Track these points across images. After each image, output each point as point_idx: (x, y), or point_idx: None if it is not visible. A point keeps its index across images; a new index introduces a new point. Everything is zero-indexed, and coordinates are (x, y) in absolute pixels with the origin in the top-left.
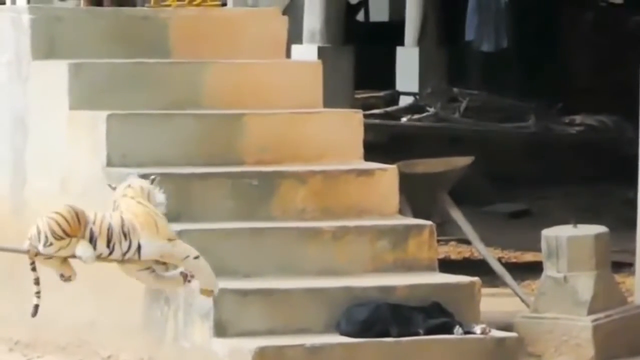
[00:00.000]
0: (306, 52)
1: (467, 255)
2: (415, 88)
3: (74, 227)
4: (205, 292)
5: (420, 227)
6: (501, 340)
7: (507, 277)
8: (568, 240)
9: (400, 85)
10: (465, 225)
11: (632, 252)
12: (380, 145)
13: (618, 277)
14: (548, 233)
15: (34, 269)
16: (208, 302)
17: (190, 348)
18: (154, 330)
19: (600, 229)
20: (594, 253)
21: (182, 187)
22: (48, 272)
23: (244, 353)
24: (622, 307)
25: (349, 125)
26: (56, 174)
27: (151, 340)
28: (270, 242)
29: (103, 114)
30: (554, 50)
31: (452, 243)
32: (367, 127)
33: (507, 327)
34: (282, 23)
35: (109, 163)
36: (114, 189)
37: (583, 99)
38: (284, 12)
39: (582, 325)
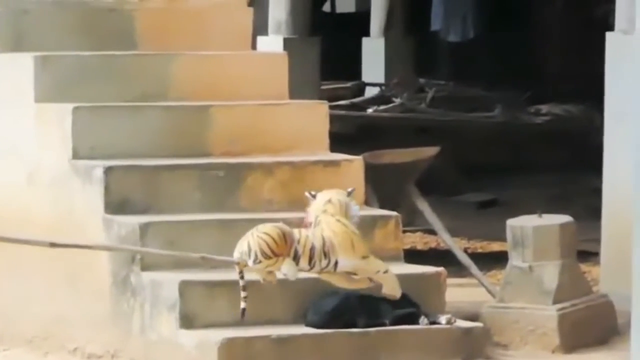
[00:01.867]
0: (272, 43)
1: (433, 245)
2: (381, 79)
3: (282, 247)
4: (389, 295)
5: (386, 218)
6: (467, 330)
7: (473, 267)
8: (533, 230)
9: (366, 76)
10: (431, 216)
11: (598, 241)
12: (347, 136)
13: (584, 266)
14: (513, 223)
15: (242, 277)
16: (174, 293)
17: (157, 340)
18: (120, 323)
19: (566, 218)
20: (560, 243)
21: (150, 179)
22: (15, 266)
23: (210, 345)
24: (588, 297)
25: (315, 117)
26: (23, 167)
27: (118, 332)
28: (238, 234)
29: (69, 107)
30: (521, 40)
31: (419, 233)
32: (334, 118)
33: (473, 317)
34: (248, 14)
35: (76, 155)
36: (314, 197)
37: (550, 89)
38: (250, 4)
39: (548, 314)
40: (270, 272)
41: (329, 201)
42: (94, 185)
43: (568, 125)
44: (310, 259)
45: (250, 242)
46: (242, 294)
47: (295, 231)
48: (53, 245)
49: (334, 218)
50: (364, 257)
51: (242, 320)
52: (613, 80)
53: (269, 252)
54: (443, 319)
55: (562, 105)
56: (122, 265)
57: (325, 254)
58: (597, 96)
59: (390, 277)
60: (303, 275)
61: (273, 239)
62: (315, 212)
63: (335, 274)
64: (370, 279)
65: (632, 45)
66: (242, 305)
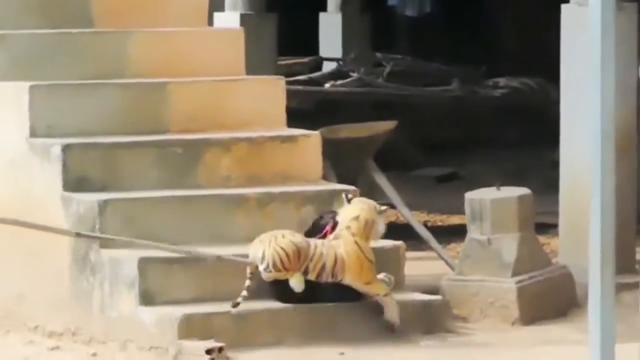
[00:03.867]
0: (229, 19)
1: (393, 219)
2: (338, 54)
3: (294, 264)
4: (390, 320)
5: (343, 192)
6: (427, 304)
7: (432, 240)
8: (491, 202)
9: (323, 51)
10: (390, 190)
11: (557, 214)
12: (305, 111)
13: (544, 239)
14: (471, 196)
15: (250, 279)
16: (134, 271)
17: (117, 317)
18: (81, 301)
19: (523, 190)
20: (517, 215)
21: (108, 157)
22: None
23: (170, 321)
24: (547, 269)
25: (272, 93)
26: None
27: (78, 310)
28: (197, 210)
29: (26, 85)
30: (477, 13)
31: None
32: (291, 94)
33: (432, 291)
34: None
35: (33, 134)
36: (349, 200)
37: (507, 62)
38: None
39: (507, 287)
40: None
41: (356, 218)
42: (52, 164)
43: (525, 99)
44: (319, 275)
45: (265, 252)
46: (244, 292)
47: (312, 246)
48: (78, 235)
49: (353, 239)
50: (367, 284)
51: (231, 309)
52: (569, 53)
53: (280, 267)
54: None
55: (519, 78)
56: (82, 243)
57: (333, 274)
58: (554, 69)
59: (390, 301)
60: None
61: (287, 255)
62: (341, 224)
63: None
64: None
65: (586, 17)
66: (240, 299)
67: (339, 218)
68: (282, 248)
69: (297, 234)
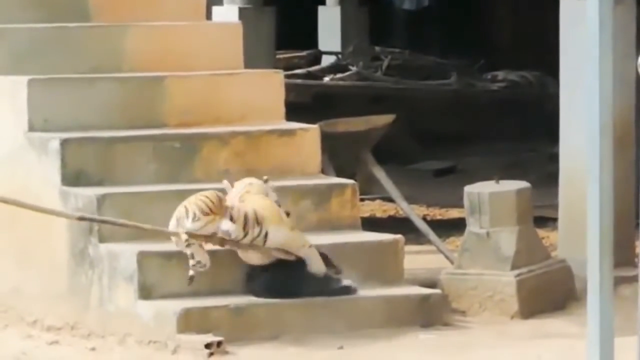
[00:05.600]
0: (227, 13)
1: (392, 213)
2: (337, 47)
3: (218, 207)
4: (315, 272)
5: (342, 186)
6: (425, 297)
7: (431, 234)
8: (490, 196)
9: (322, 45)
10: (388, 184)
11: (557, 207)
12: (304, 105)
13: (543, 232)
14: (470, 189)
15: (188, 246)
16: (132, 265)
17: (115, 311)
18: (79, 295)
19: (522, 184)
20: (516, 208)
21: (105, 151)
22: None
23: (168, 315)
24: (546, 262)
25: (270, 86)
26: None
27: (76, 304)
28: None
29: (24, 79)
30: (475, 7)
31: (378, 201)
32: (290, 87)
33: (431, 284)
34: None
35: (31, 128)
36: (232, 185)
37: (505, 56)
38: None
39: (506, 280)
40: (202, 248)
41: (250, 184)
42: (50, 158)
43: (523, 92)
44: (245, 225)
45: (187, 205)
46: (191, 262)
47: (228, 200)
48: (81, 219)
49: (258, 195)
50: (292, 229)
51: (189, 285)
52: (567, 46)
53: (207, 210)
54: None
55: (517, 71)
56: (80, 237)
57: (258, 223)
58: (552, 62)
59: (314, 253)
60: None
61: (210, 199)
62: (238, 193)
63: (261, 249)
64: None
65: (585, 11)
66: (191, 272)
67: (229, 199)
68: (203, 195)
69: None
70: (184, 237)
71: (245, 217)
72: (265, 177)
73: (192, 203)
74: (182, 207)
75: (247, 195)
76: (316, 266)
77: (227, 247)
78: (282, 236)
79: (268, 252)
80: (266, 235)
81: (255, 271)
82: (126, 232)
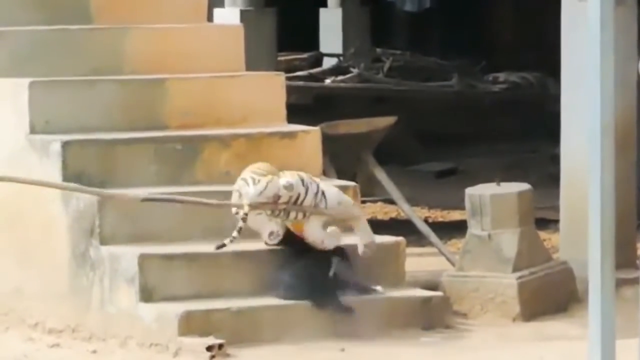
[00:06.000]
0: (228, 15)
1: (393, 215)
2: (339, 49)
3: (271, 170)
4: (369, 245)
5: (343, 188)
6: (427, 300)
7: (433, 236)
8: (491, 198)
9: (323, 47)
10: (390, 186)
11: (558, 209)
12: (305, 107)
13: (544, 234)
14: (471, 191)
15: (244, 220)
16: (133, 267)
17: (117, 313)
18: (80, 297)
19: (523, 186)
20: (518, 210)
21: (106, 153)
22: None
23: (170, 317)
24: (547, 264)
25: (271, 88)
26: None
27: (78, 306)
28: (196, 206)
29: (25, 81)
30: (476, 8)
31: (380, 203)
32: (291, 89)
33: (433, 286)
34: None
35: (33, 130)
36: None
37: (506, 57)
38: None
39: (508, 282)
40: (271, 220)
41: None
42: (52, 160)
43: (525, 93)
44: (302, 180)
45: (242, 176)
46: (234, 233)
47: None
48: (146, 199)
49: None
50: (338, 189)
51: (215, 249)
52: (569, 48)
53: (262, 172)
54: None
55: (518, 73)
56: (81, 239)
57: (312, 179)
58: (553, 63)
59: (364, 219)
60: (259, 247)
61: (261, 165)
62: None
63: (324, 212)
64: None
65: (586, 11)
66: (227, 241)
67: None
68: (256, 166)
69: None
70: (247, 208)
71: (300, 176)
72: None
73: (246, 172)
74: (239, 180)
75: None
76: (365, 234)
77: (292, 217)
78: (335, 194)
79: (328, 221)
80: (323, 193)
81: (281, 273)
82: (128, 234)
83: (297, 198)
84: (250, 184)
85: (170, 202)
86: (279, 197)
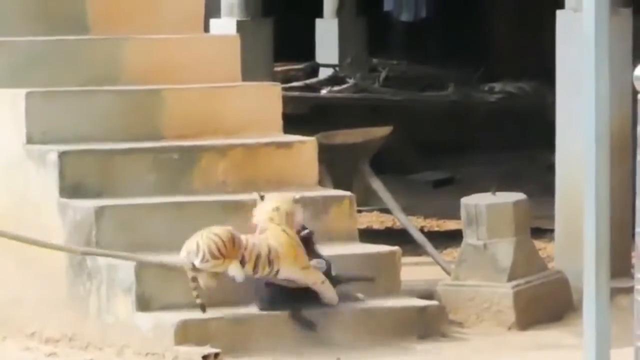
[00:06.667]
0: (225, 25)
1: (389, 224)
2: (335, 59)
3: (230, 250)
4: (327, 304)
5: (340, 198)
6: (422, 309)
7: (428, 245)
8: (487, 207)
9: (319, 57)
10: (385, 195)
11: (554, 218)
12: (302, 117)
13: (540, 243)
14: (467, 201)
15: (194, 280)
16: (130, 276)
17: (114, 322)
18: (77, 306)
19: (519, 196)
20: (513, 220)
21: (103, 163)
22: None
23: (166, 326)
24: (543, 273)
25: (267, 98)
26: None
27: (75, 315)
28: (193, 216)
29: (22, 92)
30: (473, 18)
31: (375, 213)
32: (288, 100)
33: (428, 296)
34: None
35: (30, 140)
36: (262, 198)
37: (502, 67)
38: None
39: (503, 292)
40: (213, 276)
41: (277, 209)
42: (49, 170)
43: (521, 103)
44: (255, 265)
45: (199, 242)
46: (194, 293)
47: (243, 238)
48: (84, 253)
49: (279, 227)
50: (304, 268)
51: (204, 313)
52: (564, 57)
53: (217, 253)
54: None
55: (515, 82)
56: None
57: (270, 262)
58: (549, 73)
59: (327, 287)
60: None
61: (223, 241)
62: (263, 217)
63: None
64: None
65: (581, 22)
66: (199, 301)
67: (256, 216)
68: (216, 235)
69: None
70: (190, 274)
71: (258, 258)
72: (297, 196)
73: (205, 241)
74: (194, 242)
75: (271, 224)
76: (329, 299)
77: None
78: (292, 275)
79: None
80: (277, 272)
81: (260, 283)
82: (124, 244)
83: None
84: (199, 257)
85: (112, 258)
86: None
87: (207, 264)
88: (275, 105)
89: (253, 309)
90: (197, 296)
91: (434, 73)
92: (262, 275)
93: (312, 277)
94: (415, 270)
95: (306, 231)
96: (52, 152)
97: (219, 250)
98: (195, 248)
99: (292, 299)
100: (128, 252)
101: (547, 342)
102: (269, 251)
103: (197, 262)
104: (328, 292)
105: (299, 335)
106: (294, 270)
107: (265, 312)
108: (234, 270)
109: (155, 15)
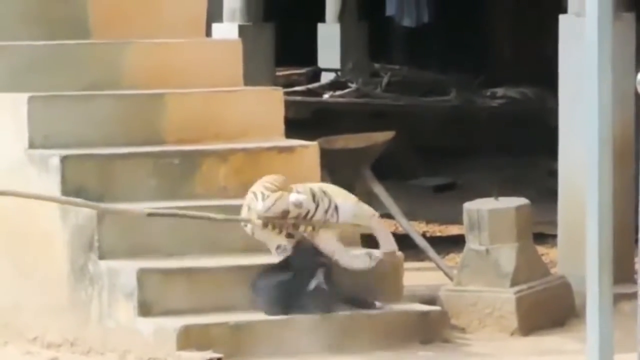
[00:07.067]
0: (226, 30)
1: (392, 229)
2: (336, 64)
3: (282, 184)
4: (389, 254)
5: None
6: (425, 314)
7: (430, 250)
8: (489, 213)
9: (321, 62)
10: (387, 200)
11: (556, 223)
12: (303, 121)
13: (542, 249)
14: (469, 206)
15: (264, 228)
16: (132, 281)
17: (115, 328)
18: (79, 311)
19: (521, 201)
20: (515, 225)
21: (105, 168)
22: None
23: (168, 332)
24: (545, 279)
25: (269, 103)
26: None
27: (76, 320)
28: (194, 221)
29: (24, 96)
30: (474, 23)
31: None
32: (290, 104)
33: (430, 301)
34: (201, 1)
35: (31, 145)
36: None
37: (505, 72)
38: None
39: (505, 297)
40: (280, 234)
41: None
42: (50, 174)
43: (523, 108)
44: (314, 196)
45: (253, 190)
46: (271, 246)
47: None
48: (151, 214)
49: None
50: (358, 201)
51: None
52: (567, 62)
53: (272, 187)
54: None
55: (517, 87)
56: (80, 253)
57: (325, 194)
58: (551, 78)
59: (383, 226)
60: (256, 261)
61: (273, 179)
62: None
63: (335, 226)
64: (370, 256)
65: (584, 27)
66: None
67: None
68: (266, 180)
69: None
70: (257, 221)
71: (312, 191)
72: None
73: (257, 186)
74: (250, 193)
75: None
76: (384, 240)
77: (301, 230)
78: (351, 207)
79: (341, 232)
80: (336, 208)
81: (261, 283)
82: (126, 249)
83: (307, 213)
84: (259, 198)
85: (176, 217)
86: (288, 212)
87: (269, 199)
88: (277, 110)
89: (255, 314)
90: (277, 248)
91: (436, 78)
92: (324, 210)
93: (368, 210)
94: (417, 276)
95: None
96: (53, 157)
97: (273, 185)
98: (251, 196)
99: (291, 301)
100: (129, 256)
101: (549, 348)
102: (319, 187)
103: (259, 205)
104: (385, 232)
105: (300, 340)
106: (350, 202)
107: (265, 317)
108: (295, 196)
109: (157, 20)
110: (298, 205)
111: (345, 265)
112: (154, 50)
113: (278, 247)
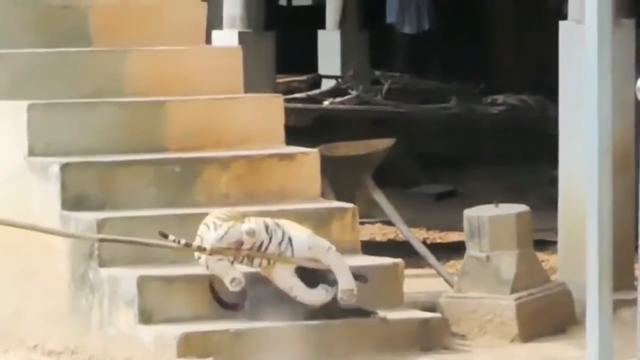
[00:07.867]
0: (227, 37)
1: (392, 236)
2: (337, 71)
3: (235, 216)
4: (346, 292)
5: (342, 210)
6: (425, 321)
7: (431, 257)
8: (490, 219)
9: (322, 69)
10: (388, 207)
11: (556, 231)
12: (304, 129)
13: (543, 255)
14: (470, 213)
15: (218, 260)
16: (132, 289)
17: (116, 335)
18: (79, 318)
19: (522, 207)
20: (516, 232)
21: (106, 175)
22: None
23: (169, 339)
24: (545, 285)
25: (269, 110)
26: None
27: (77, 328)
28: (195, 228)
29: (24, 104)
30: (475, 31)
31: (378, 225)
32: (290, 111)
33: (431, 308)
34: (202, 9)
35: (32, 152)
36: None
37: (505, 79)
38: None
39: (506, 304)
40: (233, 265)
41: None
42: (50, 182)
43: (523, 116)
44: (267, 228)
45: (205, 222)
46: (226, 281)
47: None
48: (102, 240)
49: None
50: (312, 234)
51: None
52: (567, 70)
53: (225, 217)
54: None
55: (518, 95)
56: (80, 261)
57: (278, 226)
58: (551, 86)
59: (340, 259)
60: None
61: (225, 210)
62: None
63: (290, 260)
64: (327, 290)
65: (584, 34)
66: (234, 289)
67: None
68: (220, 211)
69: None
70: (210, 256)
71: (265, 223)
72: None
73: (209, 217)
74: (202, 225)
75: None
76: (343, 277)
77: (256, 264)
78: (305, 240)
79: (296, 265)
80: (290, 240)
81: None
82: (127, 256)
83: (261, 245)
84: (211, 228)
85: (131, 244)
86: (241, 243)
87: (221, 228)
88: (277, 117)
89: (255, 322)
90: (232, 282)
91: (436, 85)
92: (277, 243)
93: (324, 242)
94: (417, 283)
95: None
96: (54, 165)
97: (225, 215)
98: (204, 227)
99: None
100: (129, 263)
101: (549, 355)
102: (272, 220)
103: (212, 235)
104: (342, 265)
105: (300, 348)
106: (305, 234)
107: (265, 324)
108: (248, 226)
109: (157, 27)
110: (251, 233)
111: (303, 300)
112: (155, 58)
113: (233, 279)
